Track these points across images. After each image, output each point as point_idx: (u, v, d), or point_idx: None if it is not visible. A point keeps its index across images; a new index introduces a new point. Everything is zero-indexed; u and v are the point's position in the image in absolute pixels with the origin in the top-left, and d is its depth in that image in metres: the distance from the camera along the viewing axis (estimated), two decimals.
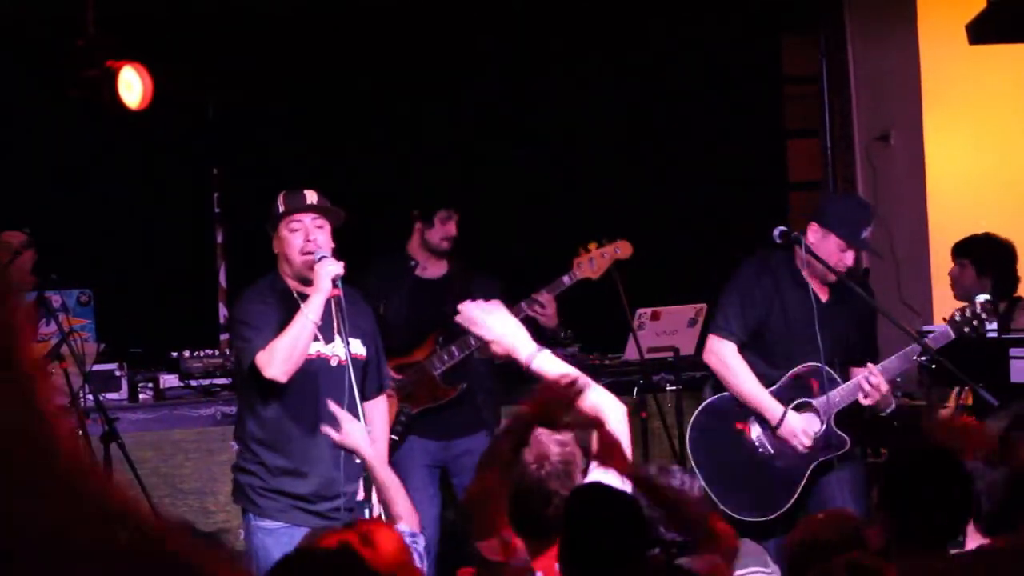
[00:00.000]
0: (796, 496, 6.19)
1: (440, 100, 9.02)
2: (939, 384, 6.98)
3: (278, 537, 5.54)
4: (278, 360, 5.39)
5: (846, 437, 6.17)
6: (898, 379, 7.50)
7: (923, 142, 8.83)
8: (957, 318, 6.33)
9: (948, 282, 7.79)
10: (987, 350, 6.67)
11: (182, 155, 8.74)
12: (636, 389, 7.81)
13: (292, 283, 5.57)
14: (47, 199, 8.34)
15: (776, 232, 6.25)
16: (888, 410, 6.23)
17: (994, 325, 7.06)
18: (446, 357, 6.84)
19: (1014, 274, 7.42)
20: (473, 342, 6.83)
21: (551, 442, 4.10)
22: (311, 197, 5.59)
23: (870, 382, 6.08)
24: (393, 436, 6.89)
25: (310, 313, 5.36)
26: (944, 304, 8.03)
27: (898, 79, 8.95)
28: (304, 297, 5.47)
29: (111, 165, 8.48)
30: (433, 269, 7.07)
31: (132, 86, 7.12)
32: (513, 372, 7.49)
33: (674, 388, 7.56)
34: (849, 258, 6.21)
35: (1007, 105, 8.77)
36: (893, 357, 6.20)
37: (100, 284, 7.93)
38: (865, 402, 6.12)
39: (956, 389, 7.09)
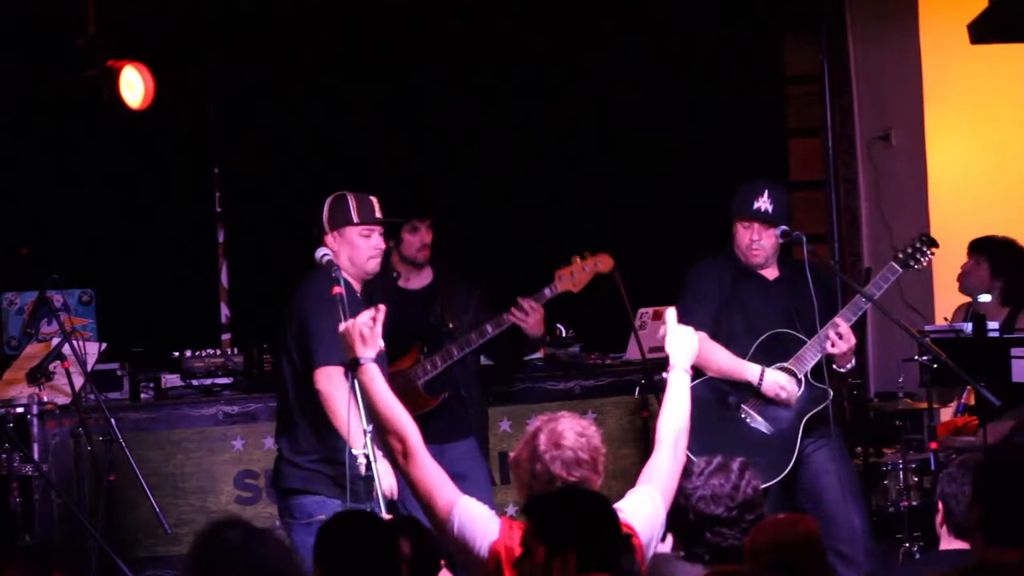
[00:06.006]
0: (795, 455, 6.27)
1: (438, 100, 9.04)
2: (941, 384, 6.99)
3: None
4: (322, 394, 5.68)
5: (827, 388, 6.26)
6: (900, 380, 7.54)
7: (924, 141, 8.83)
8: (900, 255, 6.46)
9: (949, 280, 7.81)
10: (989, 350, 6.68)
11: (183, 155, 8.74)
12: (638, 389, 7.82)
13: (350, 278, 5.83)
14: (48, 199, 8.35)
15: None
16: (848, 366, 6.32)
17: (995, 324, 7.08)
18: (429, 367, 6.91)
19: None
20: (456, 352, 6.87)
21: (568, 431, 4.21)
22: (378, 207, 5.96)
23: (838, 332, 6.20)
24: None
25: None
26: (945, 303, 8.05)
27: (899, 78, 8.95)
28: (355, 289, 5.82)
29: (112, 165, 8.48)
30: (416, 280, 7.12)
31: (133, 86, 7.12)
32: (497, 379, 7.63)
33: None
34: (763, 242, 6.34)
35: (1008, 104, 8.77)
36: (844, 309, 6.27)
37: (102, 284, 7.93)
38: (831, 351, 6.22)
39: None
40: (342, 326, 4.59)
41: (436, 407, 6.81)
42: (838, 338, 6.20)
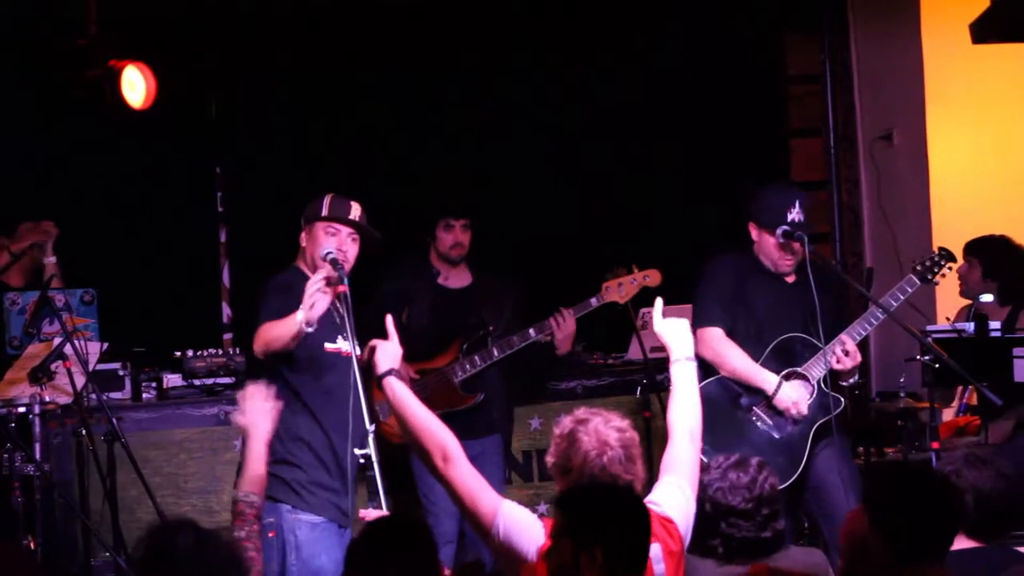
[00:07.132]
0: (803, 462, 6.30)
1: (438, 100, 9.03)
2: (943, 384, 6.99)
3: (321, 532, 5.65)
4: (260, 341, 5.61)
5: (840, 397, 6.27)
6: (902, 380, 7.54)
7: (926, 141, 8.83)
8: (918, 267, 6.50)
9: (951, 280, 7.79)
10: (991, 350, 6.67)
11: (185, 154, 8.74)
12: (639, 389, 7.82)
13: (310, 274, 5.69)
14: (50, 199, 8.34)
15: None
16: (851, 380, 6.36)
17: (996, 324, 7.08)
18: (468, 366, 6.94)
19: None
20: (497, 352, 6.87)
21: (609, 429, 4.22)
22: (355, 212, 5.79)
23: (844, 350, 6.23)
24: None
25: (302, 321, 5.45)
26: (947, 302, 8.05)
27: (901, 78, 8.95)
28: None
29: (114, 165, 8.48)
30: (455, 279, 7.14)
31: (135, 86, 7.11)
32: (525, 378, 7.64)
33: None
34: (791, 250, 6.35)
35: (1010, 104, 8.77)
36: (855, 323, 6.29)
37: (104, 283, 7.91)
38: (836, 367, 6.26)
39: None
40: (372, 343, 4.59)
41: (470, 406, 6.82)
42: (844, 355, 6.22)
